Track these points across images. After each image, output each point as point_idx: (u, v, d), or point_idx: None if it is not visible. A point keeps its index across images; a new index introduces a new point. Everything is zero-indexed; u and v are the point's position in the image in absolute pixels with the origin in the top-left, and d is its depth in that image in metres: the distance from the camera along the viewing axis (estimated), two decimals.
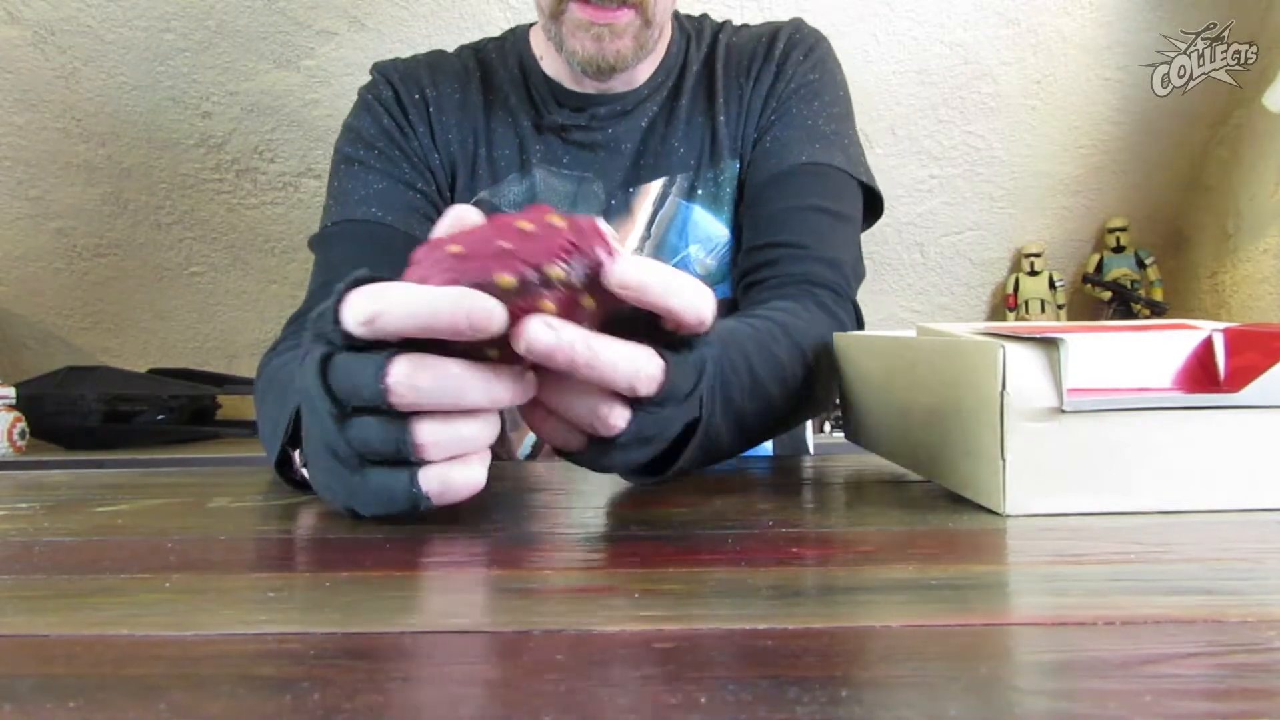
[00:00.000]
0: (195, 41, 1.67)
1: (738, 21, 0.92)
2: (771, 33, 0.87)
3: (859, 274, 0.81)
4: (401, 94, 0.84)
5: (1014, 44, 1.75)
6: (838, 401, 0.73)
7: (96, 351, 2.07)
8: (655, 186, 0.84)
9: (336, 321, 0.37)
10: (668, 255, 0.84)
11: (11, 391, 1.68)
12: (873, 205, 0.85)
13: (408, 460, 0.38)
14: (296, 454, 0.52)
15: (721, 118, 0.84)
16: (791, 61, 0.85)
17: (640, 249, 0.84)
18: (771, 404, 0.60)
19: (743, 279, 0.81)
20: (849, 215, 0.82)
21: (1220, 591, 0.29)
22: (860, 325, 0.79)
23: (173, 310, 2.03)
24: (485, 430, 0.39)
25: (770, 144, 0.83)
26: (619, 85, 0.84)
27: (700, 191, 0.84)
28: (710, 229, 0.84)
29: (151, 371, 1.94)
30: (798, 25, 0.88)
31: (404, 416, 0.37)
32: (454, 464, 0.39)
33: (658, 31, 0.79)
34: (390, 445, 0.38)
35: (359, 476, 0.40)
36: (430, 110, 0.84)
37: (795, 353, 0.63)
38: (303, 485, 0.53)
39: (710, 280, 0.84)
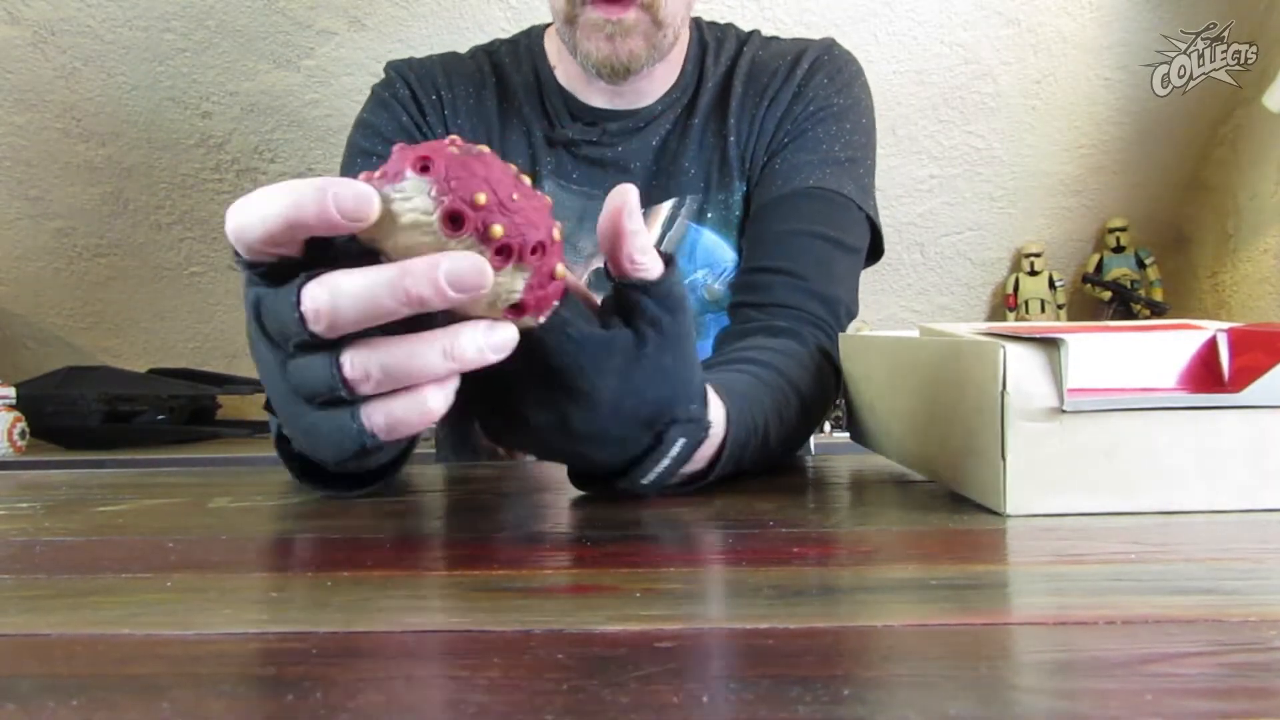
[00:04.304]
0: (195, 41, 1.67)
1: (739, 22, 0.89)
2: (798, 52, 0.83)
3: (852, 313, 0.78)
4: (418, 93, 0.82)
5: (1014, 44, 1.75)
6: (839, 401, 0.73)
7: (96, 351, 2.07)
8: (665, 208, 0.82)
9: (235, 256, 0.36)
10: None
11: (11, 391, 1.68)
12: (874, 247, 0.82)
13: (346, 398, 0.35)
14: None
15: (732, 138, 0.81)
16: (815, 84, 0.81)
17: None
18: (768, 460, 0.58)
19: (734, 296, 0.79)
20: (853, 246, 0.78)
21: (1221, 591, 0.29)
22: (837, 369, 0.71)
23: (173, 310, 2.03)
24: (427, 349, 0.35)
25: (780, 165, 0.79)
26: (633, 98, 0.81)
27: (710, 215, 0.81)
28: (719, 253, 0.82)
29: (151, 371, 1.94)
30: (828, 46, 0.84)
31: (335, 348, 0.35)
32: (399, 396, 0.35)
33: (671, 35, 0.76)
34: (324, 383, 0.35)
35: (310, 421, 0.37)
36: (446, 112, 0.82)
37: (801, 413, 0.61)
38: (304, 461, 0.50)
39: (718, 306, 0.82)
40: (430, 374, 0.35)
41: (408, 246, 0.34)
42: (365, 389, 0.35)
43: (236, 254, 0.36)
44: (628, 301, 0.41)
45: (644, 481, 0.45)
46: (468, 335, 0.35)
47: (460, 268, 0.33)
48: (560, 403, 0.40)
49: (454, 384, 0.36)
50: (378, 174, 0.35)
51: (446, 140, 0.36)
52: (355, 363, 0.35)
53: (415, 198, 0.34)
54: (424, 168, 0.34)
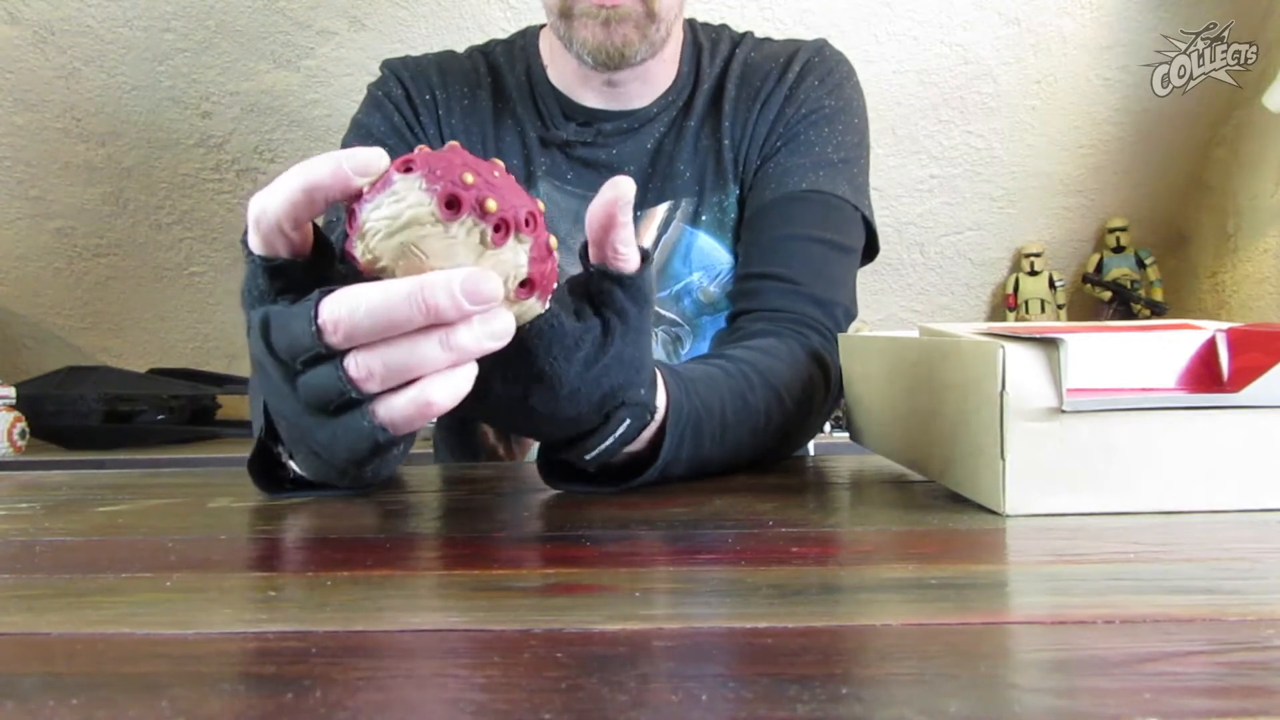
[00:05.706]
0: (195, 41, 1.67)
1: (738, 24, 0.89)
2: (789, 54, 0.83)
3: (851, 313, 0.78)
4: (412, 92, 0.82)
5: (1014, 44, 1.75)
6: (842, 402, 0.72)
7: (96, 351, 2.07)
8: (660, 210, 0.82)
9: (250, 256, 0.38)
10: (670, 281, 0.82)
11: (11, 391, 1.68)
12: (869, 245, 0.82)
13: (356, 400, 0.37)
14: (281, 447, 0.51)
15: (727, 141, 0.81)
16: (805, 86, 0.81)
17: None
18: (740, 449, 0.58)
19: (731, 304, 0.79)
20: (849, 247, 0.79)
21: (1220, 590, 0.29)
22: (835, 370, 0.71)
23: (173, 310, 2.03)
24: (425, 349, 0.36)
25: (773, 169, 0.79)
26: (628, 98, 0.81)
27: (705, 217, 0.81)
28: (715, 255, 0.82)
29: (151, 371, 1.94)
30: (819, 48, 0.84)
31: (343, 356, 0.36)
32: (402, 390, 0.37)
33: (664, 29, 0.76)
34: (335, 388, 0.37)
35: (326, 431, 0.38)
36: (440, 112, 0.82)
37: (772, 398, 0.61)
38: (290, 483, 0.52)
39: (714, 308, 0.83)
40: (431, 365, 0.36)
41: (412, 244, 0.35)
42: (371, 386, 0.36)
43: (249, 253, 0.38)
44: (600, 288, 0.43)
45: (587, 458, 0.47)
46: (464, 325, 0.36)
47: (476, 278, 0.35)
48: (525, 381, 0.42)
49: (466, 377, 0.37)
50: (364, 196, 0.36)
51: (417, 148, 0.38)
52: (359, 362, 0.36)
53: (408, 195, 0.35)
54: (407, 168, 0.36)
